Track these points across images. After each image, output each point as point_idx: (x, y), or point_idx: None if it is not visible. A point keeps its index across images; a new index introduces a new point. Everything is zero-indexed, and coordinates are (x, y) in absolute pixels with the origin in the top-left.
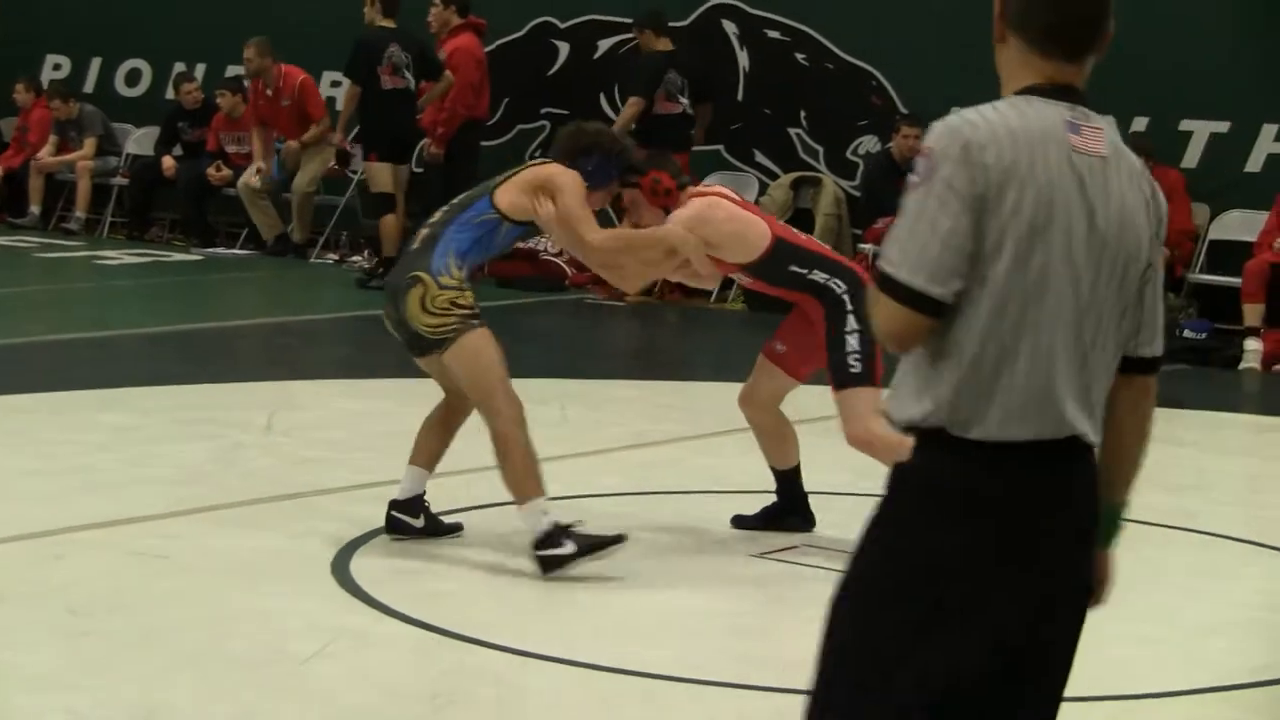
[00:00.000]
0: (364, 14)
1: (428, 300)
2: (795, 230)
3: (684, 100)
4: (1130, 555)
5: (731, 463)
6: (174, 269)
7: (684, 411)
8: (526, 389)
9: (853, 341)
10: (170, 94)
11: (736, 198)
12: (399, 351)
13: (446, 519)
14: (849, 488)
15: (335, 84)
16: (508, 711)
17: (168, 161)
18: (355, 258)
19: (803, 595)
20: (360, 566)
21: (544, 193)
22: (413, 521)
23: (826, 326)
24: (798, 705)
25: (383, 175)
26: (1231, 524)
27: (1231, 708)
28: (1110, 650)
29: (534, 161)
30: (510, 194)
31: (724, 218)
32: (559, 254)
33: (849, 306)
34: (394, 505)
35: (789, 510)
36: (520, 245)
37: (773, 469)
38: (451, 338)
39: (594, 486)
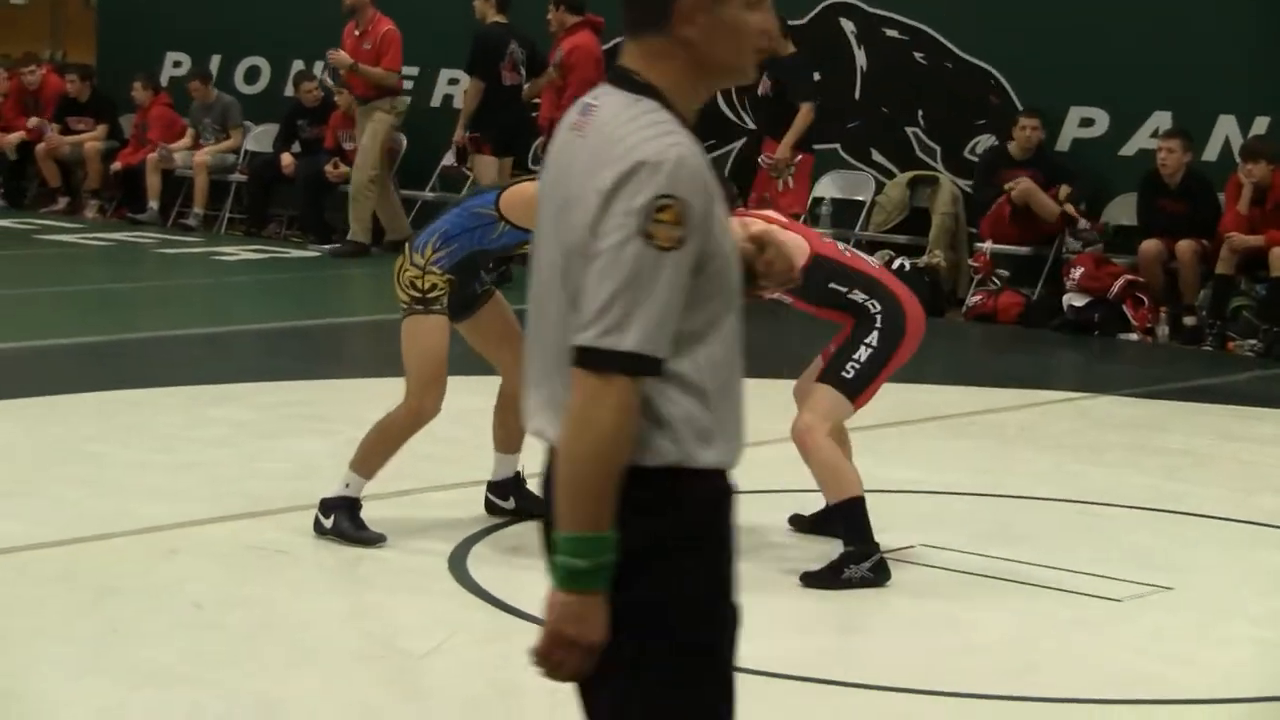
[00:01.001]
0: (475, 9)
1: (399, 272)
2: (843, 248)
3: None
4: (1247, 557)
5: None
6: (291, 265)
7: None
8: None
9: (862, 353)
10: (290, 91)
11: (781, 219)
12: None
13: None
14: (964, 487)
15: (453, 81)
16: None
17: (286, 159)
18: None
19: (910, 594)
20: (477, 563)
21: None
22: (501, 503)
23: (851, 329)
24: (901, 706)
25: (490, 169)
26: None
27: None
28: (1226, 653)
29: None
30: (519, 199)
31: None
32: None
33: (878, 324)
34: (489, 487)
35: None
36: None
37: None
38: (402, 314)
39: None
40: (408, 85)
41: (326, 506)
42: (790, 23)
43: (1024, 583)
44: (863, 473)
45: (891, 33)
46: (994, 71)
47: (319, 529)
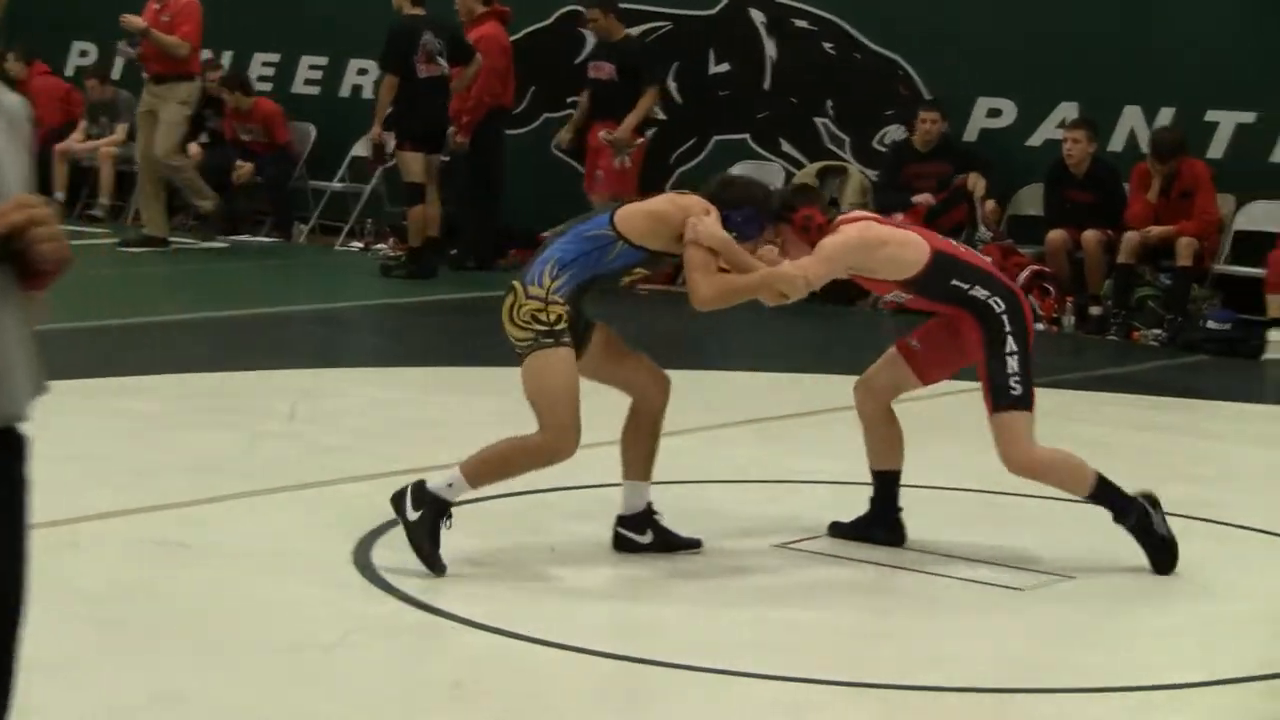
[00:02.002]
0: (393, 2)
1: (514, 310)
2: (955, 243)
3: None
4: None
5: (750, 453)
6: (198, 257)
7: (700, 400)
8: None
9: (1013, 364)
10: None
11: (886, 219)
12: (421, 340)
13: (476, 505)
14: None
15: (362, 72)
16: (527, 700)
17: (193, 149)
18: (380, 246)
19: (817, 584)
20: (382, 555)
21: (678, 221)
22: (638, 538)
23: (986, 346)
24: (818, 695)
25: (415, 164)
26: (1253, 515)
27: (1251, 698)
28: (1130, 641)
29: (674, 192)
30: (635, 216)
31: (875, 240)
32: None
33: (1008, 327)
34: (620, 521)
35: (876, 520)
36: (545, 234)
37: (874, 470)
38: (525, 353)
39: (612, 477)
40: (315, 75)
41: (421, 497)
42: (699, 13)
43: (929, 572)
44: (773, 463)
45: (801, 23)
46: (902, 62)
47: (398, 511)
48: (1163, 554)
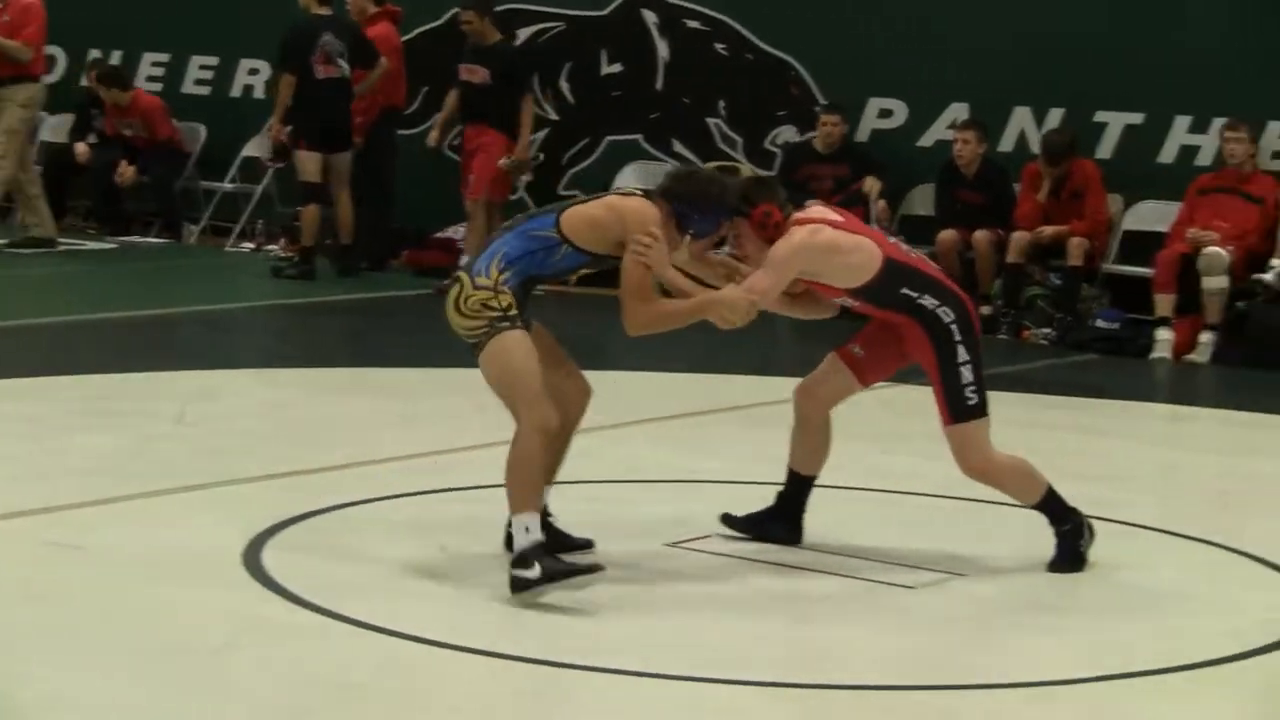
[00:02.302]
0: (300, 1)
1: (461, 301)
2: (904, 247)
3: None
4: (1042, 543)
5: (644, 452)
6: (87, 258)
7: (595, 400)
8: (437, 379)
9: (967, 373)
10: (85, 81)
11: (839, 218)
12: (313, 341)
13: (367, 507)
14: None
15: (253, 71)
16: (417, 702)
17: (81, 149)
18: (272, 246)
19: (712, 584)
20: (272, 557)
21: (616, 230)
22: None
23: (937, 358)
24: (707, 692)
25: (310, 164)
26: (1142, 512)
27: (1140, 693)
28: (1020, 637)
29: (622, 189)
30: (579, 220)
31: (826, 246)
32: None
33: (957, 337)
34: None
35: (778, 517)
36: (437, 235)
37: (789, 470)
38: (482, 341)
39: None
40: (206, 75)
41: (525, 559)
42: (591, 14)
43: (821, 571)
44: (662, 463)
45: (693, 24)
46: (794, 63)
47: (519, 586)
48: (1070, 563)
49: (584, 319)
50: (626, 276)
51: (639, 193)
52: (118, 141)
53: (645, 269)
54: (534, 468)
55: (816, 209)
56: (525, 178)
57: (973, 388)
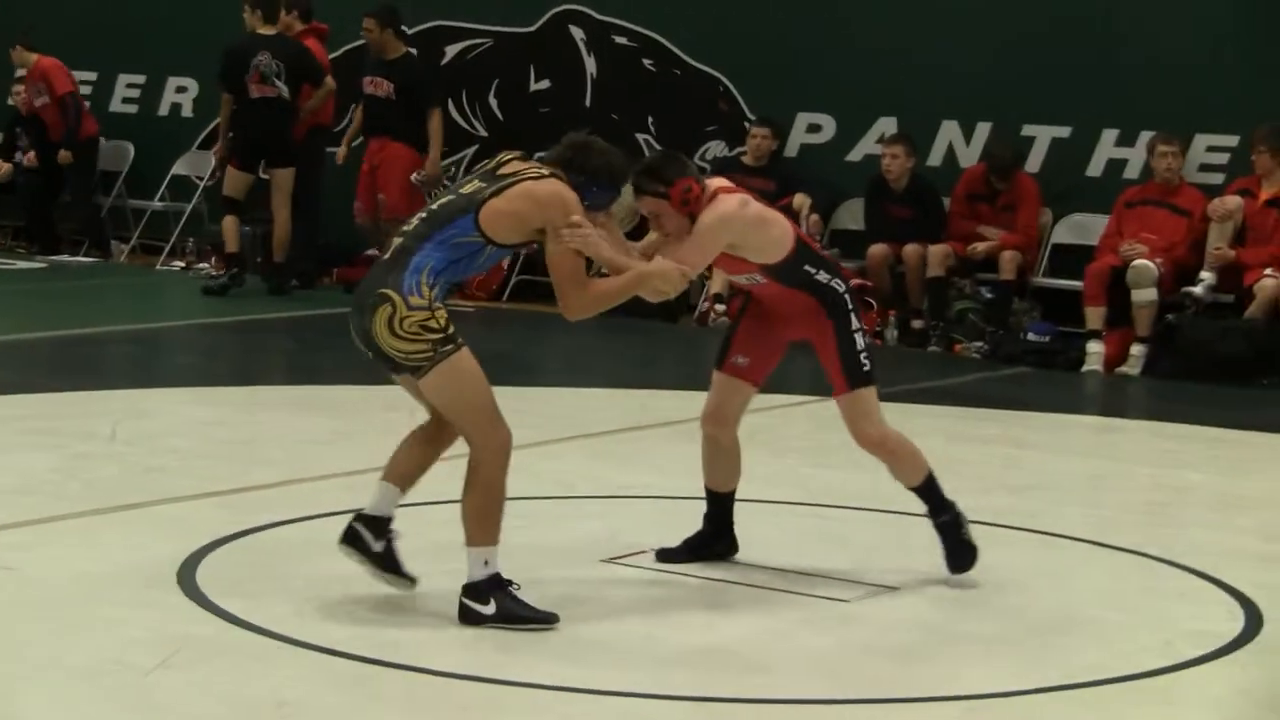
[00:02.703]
0: (245, 21)
1: (396, 323)
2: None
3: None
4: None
5: (577, 468)
6: (17, 277)
7: (528, 417)
8: (371, 395)
9: (860, 340)
10: (10, 100)
11: (754, 197)
12: (245, 359)
13: (302, 525)
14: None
15: (181, 90)
16: (351, 718)
17: (4, 167)
18: (202, 265)
19: (646, 599)
20: (205, 575)
21: (536, 220)
22: (373, 543)
23: (834, 327)
24: (645, 708)
25: (233, 181)
26: (1073, 524)
27: (1074, 706)
28: (954, 650)
29: (524, 167)
30: (498, 217)
31: (756, 219)
32: None
33: (849, 305)
34: (358, 518)
35: (716, 537)
36: (369, 252)
37: (711, 491)
38: (426, 366)
39: (439, 493)
40: (133, 94)
41: (478, 592)
42: (519, 30)
43: (754, 585)
44: (597, 478)
45: (621, 40)
46: (722, 78)
47: (472, 619)
48: (963, 557)
49: (515, 334)
50: (558, 264)
51: (546, 172)
52: (30, 120)
53: (576, 253)
54: (498, 496)
55: (723, 180)
56: (439, 192)
57: (866, 354)
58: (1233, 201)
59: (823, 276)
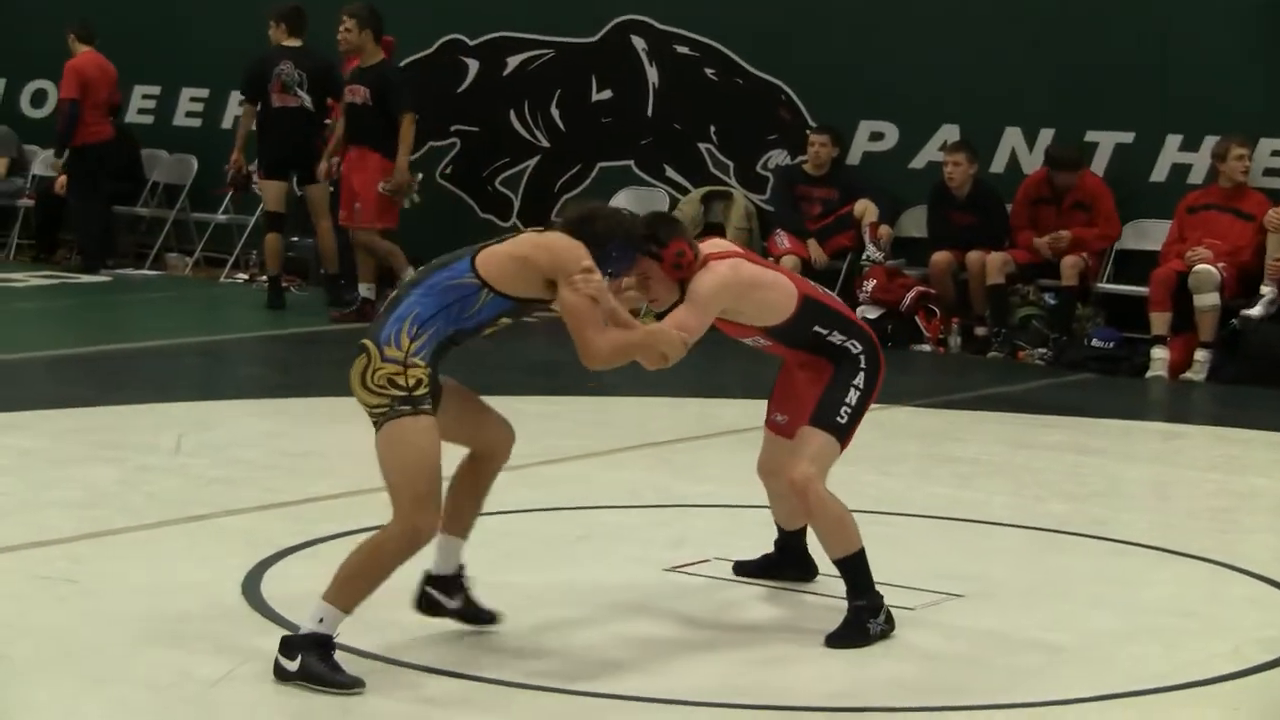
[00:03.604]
0: (270, 36)
1: (368, 374)
2: (813, 283)
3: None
4: (1038, 563)
5: (641, 477)
6: (80, 291)
7: (591, 427)
8: None
9: (853, 396)
10: None
11: (751, 253)
12: (307, 371)
13: (338, 541)
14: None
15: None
16: None
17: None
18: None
19: (710, 608)
20: (270, 587)
21: (548, 267)
22: (447, 601)
23: (836, 370)
24: (705, 717)
25: (268, 192)
26: (1138, 530)
27: (1140, 713)
28: (1018, 658)
29: (532, 229)
30: (500, 260)
31: (750, 282)
32: None
33: (863, 365)
34: (428, 580)
35: (787, 564)
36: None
37: (780, 527)
38: (379, 423)
39: (503, 503)
40: (196, 108)
41: (291, 646)
42: (580, 40)
43: (818, 593)
44: (659, 487)
45: (682, 49)
46: (784, 87)
47: (280, 674)
48: (850, 638)
49: (566, 345)
50: (575, 310)
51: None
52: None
53: (592, 300)
54: (378, 575)
55: (722, 241)
56: (415, 199)
57: (848, 411)
58: None
59: (836, 338)
